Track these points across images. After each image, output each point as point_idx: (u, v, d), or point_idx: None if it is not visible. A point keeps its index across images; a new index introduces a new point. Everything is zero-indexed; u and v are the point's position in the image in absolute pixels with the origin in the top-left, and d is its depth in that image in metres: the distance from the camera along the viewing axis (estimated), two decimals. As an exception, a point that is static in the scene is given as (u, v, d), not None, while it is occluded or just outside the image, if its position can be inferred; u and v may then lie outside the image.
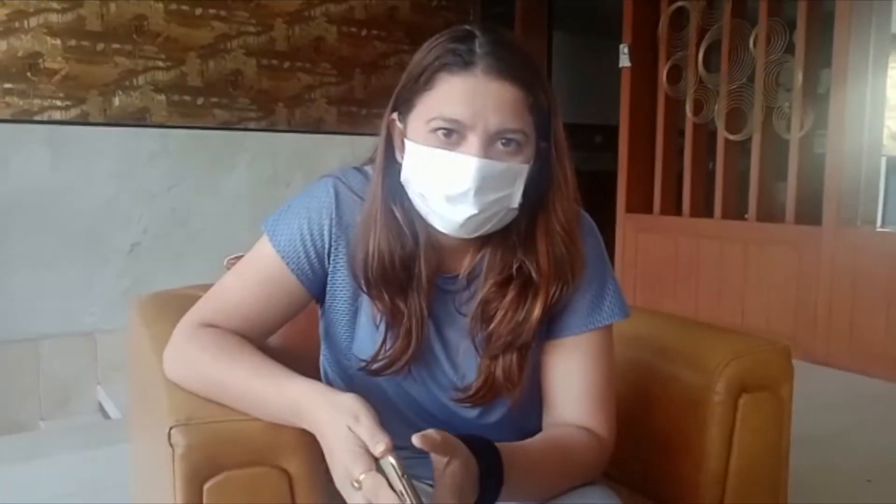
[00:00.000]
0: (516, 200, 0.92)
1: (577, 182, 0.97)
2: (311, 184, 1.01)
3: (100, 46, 3.70)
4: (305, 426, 0.85)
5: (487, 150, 0.88)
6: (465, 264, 1.00)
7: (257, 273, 0.98)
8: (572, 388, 1.00)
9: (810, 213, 3.66)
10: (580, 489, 0.97)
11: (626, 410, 1.20)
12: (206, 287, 1.02)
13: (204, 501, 0.83)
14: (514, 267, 0.95)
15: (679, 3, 4.18)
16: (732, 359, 1.15)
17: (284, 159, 4.19)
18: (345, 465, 0.78)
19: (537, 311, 0.95)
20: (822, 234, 3.56)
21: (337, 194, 0.98)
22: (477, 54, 0.88)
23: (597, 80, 5.37)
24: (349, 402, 0.82)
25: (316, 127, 4.34)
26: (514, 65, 0.88)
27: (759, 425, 1.16)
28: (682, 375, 1.20)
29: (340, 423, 0.80)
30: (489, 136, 0.88)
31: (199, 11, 3.93)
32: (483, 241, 0.97)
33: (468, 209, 0.89)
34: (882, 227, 3.57)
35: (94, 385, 3.65)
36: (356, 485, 0.76)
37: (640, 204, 4.43)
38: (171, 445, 0.82)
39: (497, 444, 0.87)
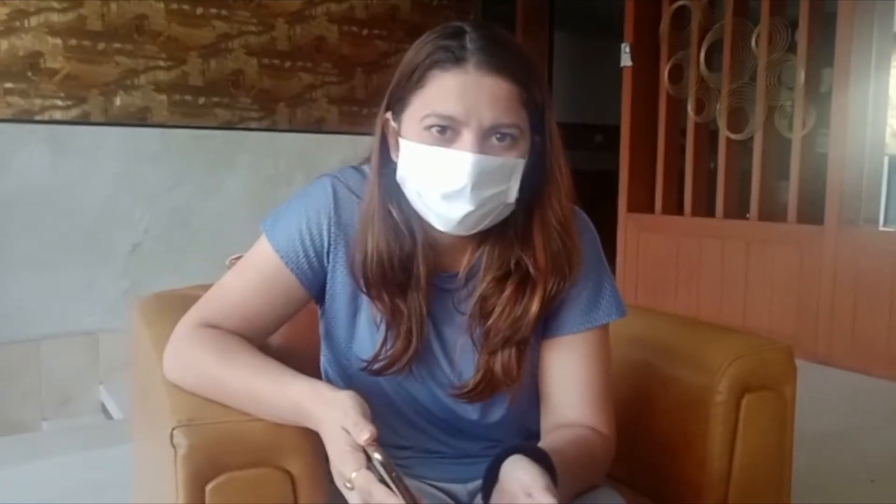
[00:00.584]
0: (513, 195, 0.91)
1: (577, 181, 0.97)
2: (309, 183, 1.01)
3: (101, 46, 3.70)
4: (310, 425, 0.85)
5: (482, 146, 0.88)
6: (463, 262, 0.99)
7: (256, 273, 0.98)
8: (574, 387, 1.00)
9: (812, 212, 3.65)
10: (587, 491, 0.97)
11: (628, 411, 1.20)
12: (208, 287, 1.02)
13: (206, 502, 0.83)
14: (512, 262, 0.95)
15: (680, 2, 4.17)
16: (735, 359, 1.15)
17: (286, 159, 4.19)
18: (337, 466, 0.78)
19: (535, 306, 0.95)
20: (824, 233, 3.55)
21: (335, 193, 0.97)
22: (468, 50, 0.87)
23: (598, 80, 5.37)
24: (341, 399, 0.82)
25: (317, 127, 4.34)
26: (506, 59, 0.88)
27: (761, 425, 1.16)
28: (685, 376, 1.20)
29: (335, 422, 0.80)
30: (483, 131, 0.87)
31: (200, 11, 3.93)
32: (480, 239, 0.97)
33: (465, 206, 0.89)
34: (884, 226, 3.55)
35: (97, 385, 3.65)
36: (349, 485, 0.76)
37: (642, 203, 4.42)
38: (173, 446, 0.82)
39: (544, 449, 0.86)
